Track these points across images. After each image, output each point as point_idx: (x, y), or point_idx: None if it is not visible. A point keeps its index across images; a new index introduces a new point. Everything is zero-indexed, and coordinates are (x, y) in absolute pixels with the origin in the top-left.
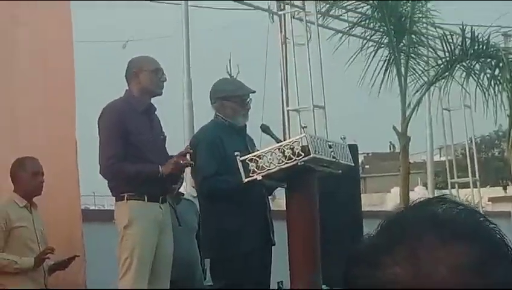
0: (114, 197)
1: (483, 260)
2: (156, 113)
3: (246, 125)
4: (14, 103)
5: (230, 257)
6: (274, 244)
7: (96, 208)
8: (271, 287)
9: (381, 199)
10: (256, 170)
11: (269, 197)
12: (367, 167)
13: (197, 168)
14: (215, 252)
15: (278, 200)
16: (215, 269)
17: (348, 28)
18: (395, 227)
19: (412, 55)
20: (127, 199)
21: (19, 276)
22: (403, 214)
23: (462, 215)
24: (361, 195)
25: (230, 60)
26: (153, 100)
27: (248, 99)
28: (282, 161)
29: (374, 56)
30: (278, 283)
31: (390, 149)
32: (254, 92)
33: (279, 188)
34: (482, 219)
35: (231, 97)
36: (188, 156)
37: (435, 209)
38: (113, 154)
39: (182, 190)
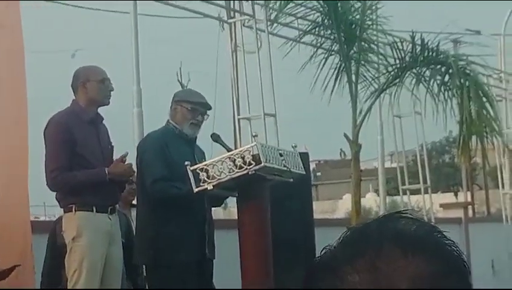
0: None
1: (440, 273)
2: (103, 122)
3: (195, 137)
4: None
5: (163, 265)
6: (213, 258)
7: (47, 219)
8: None
9: (333, 206)
10: (206, 179)
11: (221, 206)
12: (318, 174)
13: (145, 171)
14: (150, 259)
15: (230, 208)
16: (151, 276)
17: (298, 36)
18: (357, 239)
19: (363, 62)
20: (75, 210)
21: None
22: (365, 227)
23: (422, 230)
24: (313, 202)
25: (180, 68)
26: (102, 110)
27: (201, 112)
28: (233, 170)
29: (324, 63)
30: None
31: (341, 156)
32: (207, 105)
33: (231, 197)
34: (439, 235)
35: (183, 102)
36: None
37: (396, 224)
38: (57, 167)
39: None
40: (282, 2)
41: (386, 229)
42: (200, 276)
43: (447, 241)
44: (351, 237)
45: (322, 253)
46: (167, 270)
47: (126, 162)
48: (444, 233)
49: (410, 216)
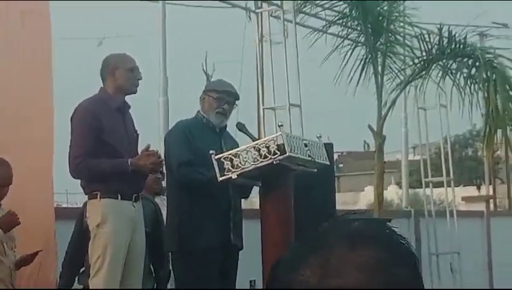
0: (86, 196)
1: (387, 262)
2: (129, 111)
3: (225, 126)
4: None
5: (188, 251)
6: (241, 249)
7: (69, 206)
8: (243, 287)
9: (355, 198)
10: (231, 168)
11: (249, 196)
12: (341, 165)
13: (170, 157)
14: (175, 245)
15: (252, 199)
16: (175, 262)
17: (325, 26)
18: (312, 239)
19: (389, 54)
20: (100, 197)
21: None
22: (319, 229)
23: (370, 227)
24: (336, 194)
25: (206, 58)
26: (128, 98)
27: (227, 100)
28: (258, 160)
29: (350, 54)
30: (251, 281)
31: (364, 148)
32: (234, 94)
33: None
34: (388, 230)
35: (210, 91)
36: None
37: (348, 224)
38: (81, 153)
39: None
40: None
41: (337, 229)
42: (223, 263)
43: (394, 235)
44: (307, 238)
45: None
46: (189, 257)
47: (152, 154)
48: (394, 228)
49: (361, 217)
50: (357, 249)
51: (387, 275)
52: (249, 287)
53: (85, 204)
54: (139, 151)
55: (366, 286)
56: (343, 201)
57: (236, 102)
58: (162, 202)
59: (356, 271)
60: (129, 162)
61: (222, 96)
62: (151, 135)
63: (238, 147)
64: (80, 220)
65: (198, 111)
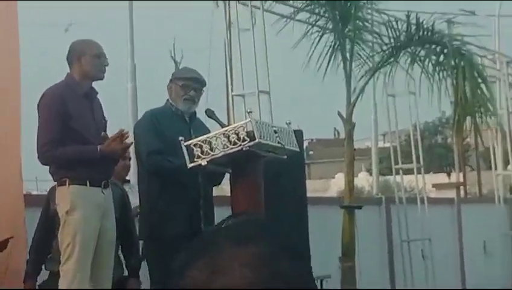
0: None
1: (272, 257)
2: (97, 97)
3: (194, 113)
4: None
5: (157, 238)
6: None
7: (39, 193)
8: None
9: (325, 185)
10: (201, 155)
11: (220, 184)
12: (311, 152)
13: (140, 146)
14: (146, 232)
15: (223, 186)
16: (145, 249)
17: (293, 13)
18: (198, 244)
19: (357, 40)
20: (68, 184)
21: None
22: (204, 233)
23: (257, 226)
24: (306, 181)
25: (174, 44)
26: (97, 84)
27: (193, 87)
28: (227, 146)
29: (319, 41)
30: None
31: (335, 135)
32: (198, 80)
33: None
34: (274, 228)
35: (176, 79)
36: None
37: (229, 223)
38: (49, 140)
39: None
40: None
41: (220, 230)
42: None
43: (280, 232)
44: (195, 244)
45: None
46: (159, 244)
47: (121, 139)
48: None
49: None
50: (242, 247)
51: (272, 269)
52: None
53: (50, 190)
54: (109, 136)
55: (252, 280)
56: (314, 188)
57: (204, 88)
58: (130, 189)
59: (241, 267)
60: (98, 149)
61: (188, 84)
62: (120, 122)
63: (205, 132)
64: (46, 207)
65: (167, 100)
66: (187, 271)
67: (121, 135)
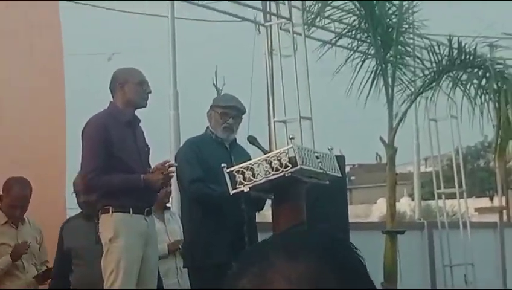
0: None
1: (317, 272)
2: (140, 125)
3: (235, 140)
4: (4, 114)
5: (201, 267)
6: None
7: None
8: None
9: (367, 211)
10: (243, 181)
11: (262, 209)
12: (352, 178)
13: (182, 174)
14: (189, 261)
15: (264, 212)
16: (191, 278)
17: (334, 39)
18: (252, 253)
19: (399, 65)
20: (112, 212)
21: None
22: (261, 243)
23: (313, 239)
24: (348, 206)
25: (216, 71)
26: (139, 112)
27: (232, 115)
28: (269, 173)
29: (360, 67)
30: None
31: (376, 160)
32: (238, 109)
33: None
34: (336, 242)
35: (214, 107)
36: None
37: (287, 237)
38: (93, 169)
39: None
40: (320, 4)
41: (277, 242)
42: None
43: (337, 245)
44: (250, 252)
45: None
46: (202, 273)
47: (164, 169)
48: (343, 239)
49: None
50: (292, 262)
51: (316, 285)
52: None
53: (63, 227)
54: (152, 165)
55: None
56: (356, 214)
57: (243, 116)
58: (171, 216)
59: (286, 282)
60: (142, 178)
61: (227, 112)
62: (162, 149)
63: (246, 159)
64: (60, 244)
65: (208, 127)
66: (240, 278)
67: (165, 166)
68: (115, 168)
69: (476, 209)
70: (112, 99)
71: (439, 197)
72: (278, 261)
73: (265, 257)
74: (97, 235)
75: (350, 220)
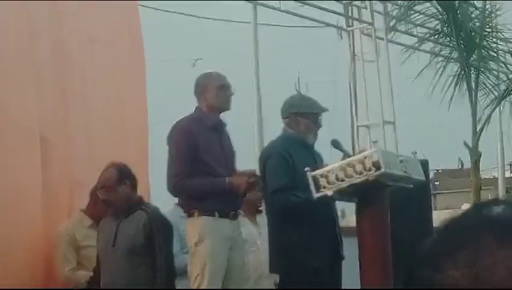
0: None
1: None
2: (226, 129)
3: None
4: (91, 120)
5: (300, 272)
6: (343, 258)
7: None
8: None
9: (452, 216)
10: (327, 185)
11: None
12: (437, 183)
13: (267, 181)
14: (284, 267)
15: (349, 217)
16: (285, 284)
17: (417, 43)
18: (454, 231)
19: (482, 69)
20: (197, 215)
21: None
22: (461, 218)
23: None
24: (432, 211)
25: (298, 77)
26: (225, 116)
27: (320, 118)
28: (353, 176)
29: (443, 71)
30: None
31: (458, 165)
32: (327, 110)
33: (348, 204)
34: None
35: (306, 114)
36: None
37: (493, 211)
38: (180, 172)
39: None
40: (403, 9)
41: (482, 218)
42: (332, 277)
43: None
44: (448, 229)
45: (423, 245)
46: (302, 278)
47: (249, 174)
48: None
49: (508, 201)
50: (506, 245)
51: None
52: None
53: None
54: (238, 169)
55: None
56: (440, 219)
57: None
58: (262, 219)
59: (508, 271)
60: (227, 181)
61: (317, 117)
62: (246, 153)
63: (322, 161)
64: None
65: (286, 130)
66: (444, 266)
67: (250, 174)
68: (201, 172)
69: None
70: (197, 105)
71: None
72: (492, 245)
73: (472, 239)
74: (114, 238)
75: (435, 226)
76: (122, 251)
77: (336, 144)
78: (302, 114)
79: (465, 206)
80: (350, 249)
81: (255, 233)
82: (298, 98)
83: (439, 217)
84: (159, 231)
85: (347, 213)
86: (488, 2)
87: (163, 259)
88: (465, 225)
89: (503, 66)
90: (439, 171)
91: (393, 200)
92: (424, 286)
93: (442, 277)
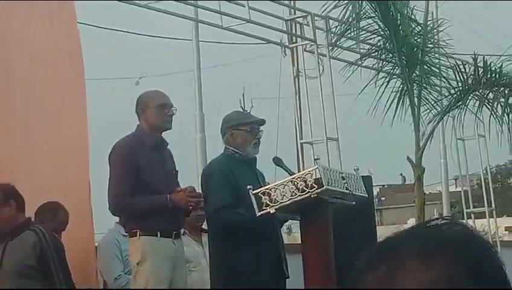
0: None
1: (456, 279)
2: (168, 148)
3: (255, 158)
4: (32, 141)
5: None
6: (288, 277)
7: None
8: None
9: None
10: (269, 203)
11: (281, 228)
12: (383, 198)
13: (208, 200)
14: (226, 286)
15: (294, 234)
16: None
17: (360, 59)
18: (385, 245)
19: (425, 85)
20: (139, 235)
21: None
22: (397, 234)
23: (450, 233)
24: (378, 227)
25: (243, 94)
26: (167, 134)
27: (258, 129)
28: (296, 194)
29: (386, 87)
30: None
31: (401, 181)
32: (263, 121)
33: (294, 222)
34: (475, 239)
35: (240, 125)
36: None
37: (426, 229)
38: (121, 192)
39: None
40: (344, 26)
41: (411, 236)
42: None
43: (475, 243)
44: (382, 244)
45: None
46: None
47: (190, 191)
48: (482, 237)
49: (446, 221)
50: (426, 262)
51: None
52: None
53: None
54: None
55: None
56: (386, 234)
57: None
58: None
59: (417, 284)
60: (168, 198)
61: (255, 127)
62: (188, 172)
63: (264, 178)
64: None
65: (226, 147)
66: (367, 271)
67: (191, 190)
68: (142, 191)
69: (507, 228)
70: (138, 123)
71: (469, 217)
72: (408, 260)
73: (395, 255)
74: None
75: (380, 241)
76: (9, 273)
77: (277, 162)
78: (238, 127)
79: (411, 221)
80: (296, 266)
81: (199, 252)
82: (232, 113)
83: (385, 232)
84: (53, 252)
85: (293, 229)
86: (429, 18)
87: (62, 279)
88: (391, 243)
89: (445, 81)
90: (385, 186)
91: (338, 216)
92: (349, 286)
93: (361, 278)
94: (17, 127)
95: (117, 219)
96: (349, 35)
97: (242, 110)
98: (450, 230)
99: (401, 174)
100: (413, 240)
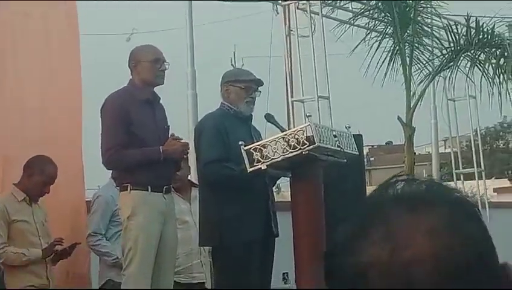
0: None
1: (452, 218)
2: (161, 103)
3: (251, 115)
4: (23, 96)
5: (231, 246)
6: (277, 236)
7: None
8: (276, 280)
9: None
10: (260, 159)
11: (272, 187)
12: (372, 159)
13: (199, 153)
14: (215, 241)
15: (284, 192)
16: (216, 258)
17: (352, 18)
18: (363, 212)
19: (417, 45)
20: (130, 189)
21: (21, 271)
22: (367, 200)
23: (422, 187)
24: (367, 187)
25: (234, 52)
26: (159, 90)
27: (254, 88)
28: (287, 150)
29: (378, 46)
30: (284, 274)
31: (387, 143)
32: (261, 81)
33: (283, 179)
34: (440, 186)
35: (236, 82)
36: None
37: (395, 189)
38: (113, 145)
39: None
40: None
41: (387, 196)
42: (264, 253)
43: (451, 189)
44: (358, 213)
45: (334, 233)
46: (231, 251)
47: (180, 139)
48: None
49: (409, 177)
50: (418, 213)
51: (457, 234)
52: (282, 280)
53: None
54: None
55: (439, 249)
56: None
57: (259, 89)
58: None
59: (425, 236)
60: (161, 149)
61: (249, 85)
62: (180, 128)
63: (261, 136)
64: None
65: (222, 103)
66: (361, 247)
67: (176, 137)
68: (133, 145)
69: (495, 190)
70: (131, 78)
71: (458, 178)
72: (403, 216)
73: (386, 215)
74: None
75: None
76: None
77: (269, 118)
78: (233, 83)
79: None
80: (286, 224)
81: (184, 210)
82: (234, 69)
83: None
84: None
85: (282, 188)
86: None
87: None
88: (372, 205)
89: (437, 41)
90: (374, 146)
91: (327, 175)
92: (345, 273)
93: (359, 258)
94: (7, 80)
95: (109, 174)
96: None
97: (237, 68)
98: (423, 185)
99: (387, 142)
100: (395, 199)
